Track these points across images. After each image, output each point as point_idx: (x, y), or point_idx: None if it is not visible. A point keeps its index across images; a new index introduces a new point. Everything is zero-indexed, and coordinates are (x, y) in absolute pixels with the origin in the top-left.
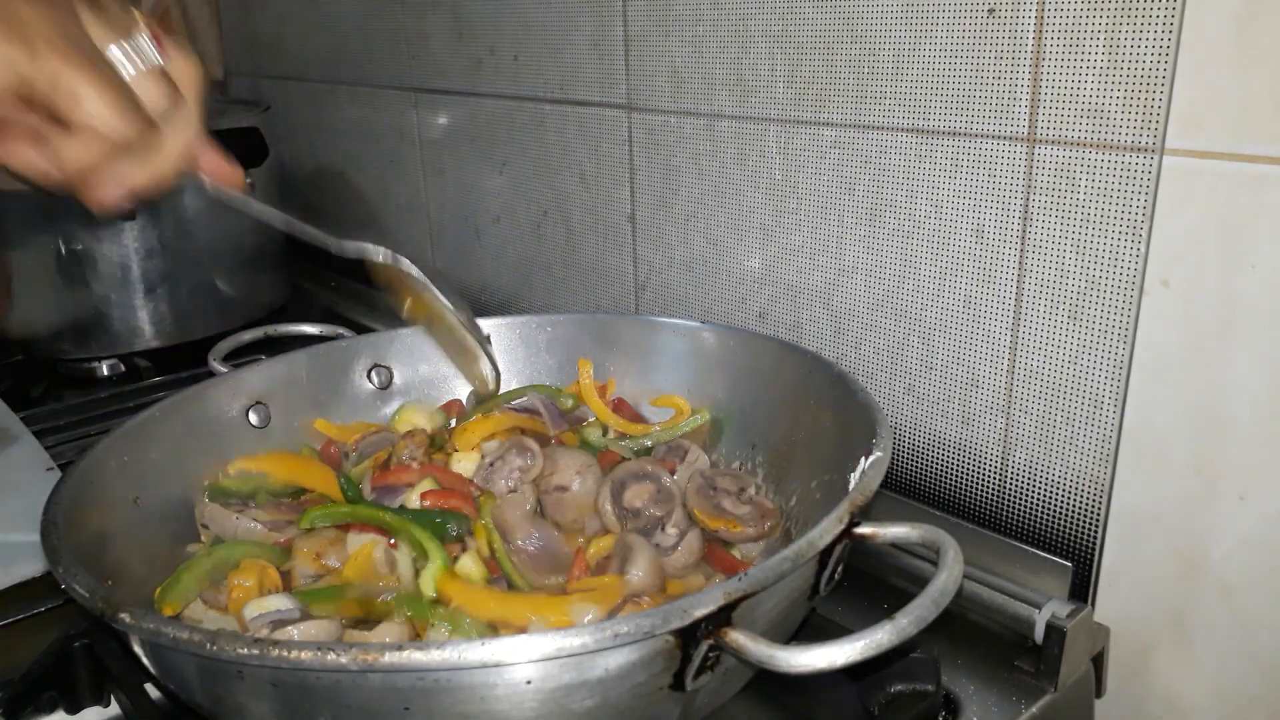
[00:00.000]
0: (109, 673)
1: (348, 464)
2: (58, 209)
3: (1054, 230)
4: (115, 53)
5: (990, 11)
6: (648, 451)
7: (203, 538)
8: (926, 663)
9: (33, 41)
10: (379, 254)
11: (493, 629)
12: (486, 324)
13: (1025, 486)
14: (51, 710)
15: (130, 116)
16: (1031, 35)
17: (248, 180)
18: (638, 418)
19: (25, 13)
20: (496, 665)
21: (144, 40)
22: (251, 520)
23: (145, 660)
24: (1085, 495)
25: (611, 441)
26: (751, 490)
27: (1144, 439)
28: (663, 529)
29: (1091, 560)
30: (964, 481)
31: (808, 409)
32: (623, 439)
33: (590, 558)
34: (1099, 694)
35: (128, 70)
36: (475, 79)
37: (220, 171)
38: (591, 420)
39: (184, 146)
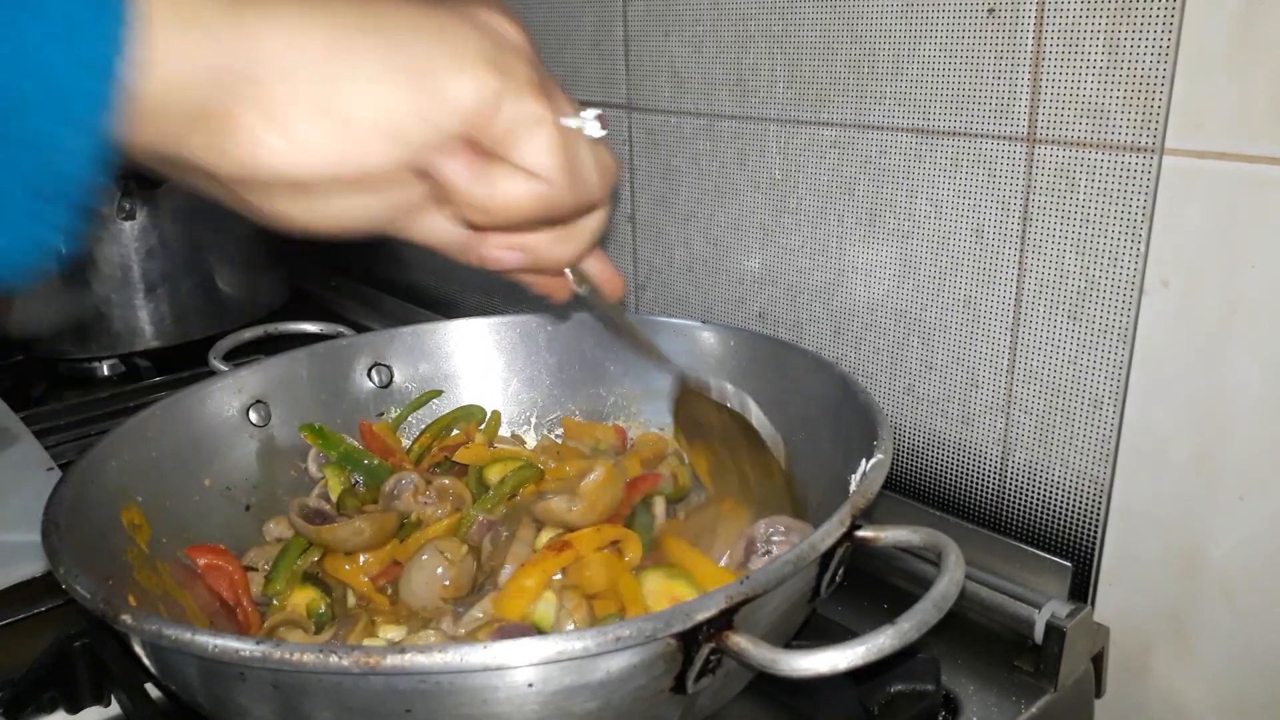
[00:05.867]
0: (109, 673)
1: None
2: None
3: (1054, 230)
4: (570, 121)
5: (990, 11)
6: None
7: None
8: (927, 663)
9: (514, 73)
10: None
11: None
12: (486, 323)
13: (1025, 486)
14: (52, 710)
15: (570, 176)
16: (1031, 35)
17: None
18: None
19: (513, 56)
20: (498, 668)
21: (592, 118)
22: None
23: (146, 661)
24: (1085, 495)
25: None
26: None
27: (1144, 439)
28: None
29: (1091, 560)
30: (964, 481)
31: (808, 409)
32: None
33: None
34: (1099, 694)
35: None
36: None
37: (608, 282)
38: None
39: (595, 235)
